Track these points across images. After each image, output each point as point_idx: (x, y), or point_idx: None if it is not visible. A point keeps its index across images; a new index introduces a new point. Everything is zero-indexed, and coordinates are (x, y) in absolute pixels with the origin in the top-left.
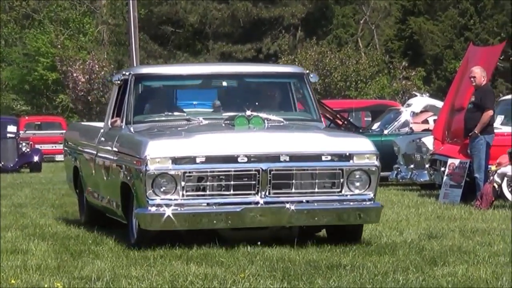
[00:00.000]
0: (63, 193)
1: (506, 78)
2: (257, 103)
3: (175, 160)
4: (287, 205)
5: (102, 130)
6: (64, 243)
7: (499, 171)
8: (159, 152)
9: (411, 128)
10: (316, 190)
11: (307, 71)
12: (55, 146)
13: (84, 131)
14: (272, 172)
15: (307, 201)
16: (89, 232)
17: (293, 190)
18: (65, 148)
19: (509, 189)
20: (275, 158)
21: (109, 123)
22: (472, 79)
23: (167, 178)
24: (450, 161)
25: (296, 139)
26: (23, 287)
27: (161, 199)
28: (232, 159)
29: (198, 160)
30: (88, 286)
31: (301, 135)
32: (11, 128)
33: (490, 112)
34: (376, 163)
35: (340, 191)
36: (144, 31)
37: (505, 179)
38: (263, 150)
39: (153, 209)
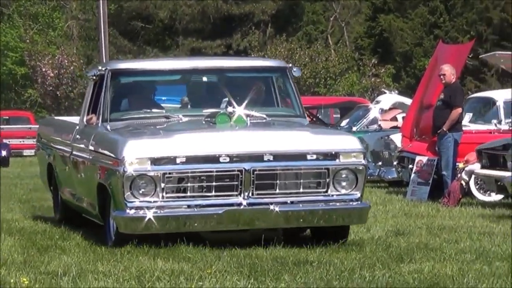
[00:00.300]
0: (30, 188)
1: (474, 76)
2: (238, 99)
3: (155, 161)
4: (271, 207)
5: (77, 127)
6: (31, 238)
7: (466, 169)
8: (137, 153)
9: (379, 125)
10: (301, 190)
11: (290, 65)
12: (23, 141)
13: (58, 127)
14: (255, 172)
15: (292, 202)
16: (56, 228)
17: (277, 191)
18: (38, 144)
19: (477, 187)
20: (258, 157)
21: (84, 120)
22: (441, 76)
23: (146, 180)
24: (418, 158)
25: (280, 138)
26: None
27: (140, 202)
28: (214, 159)
29: (178, 160)
30: (55, 281)
31: (286, 133)
32: None
33: (459, 110)
34: (363, 161)
35: (326, 191)
36: (113, 26)
37: (473, 176)
38: (246, 149)
39: (131, 212)
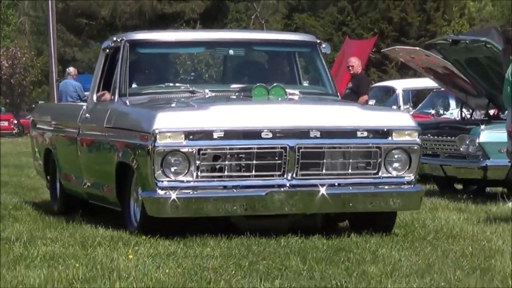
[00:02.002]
0: None
1: (377, 68)
2: (266, 74)
3: (189, 135)
4: (319, 189)
5: (84, 106)
6: None
7: None
8: (170, 125)
9: None
10: (350, 171)
11: (319, 41)
12: None
13: (58, 110)
14: (300, 150)
15: (339, 184)
16: (9, 199)
17: (324, 172)
18: (33, 131)
19: None
20: (304, 133)
21: (94, 98)
22: (350, 67)
23: (179, 156)
24: None
25: (328, 112)
26: None
27: (171, 181)
28: (255, 134)
29: (215, 135)
30: (8, 246)
31: (334, 108)
32: None
33: (366, 97)
34: (418, 140)
35: (377, 173)
36: (61, 22)
37: None
38: (290, 124)
39: (162, 192)
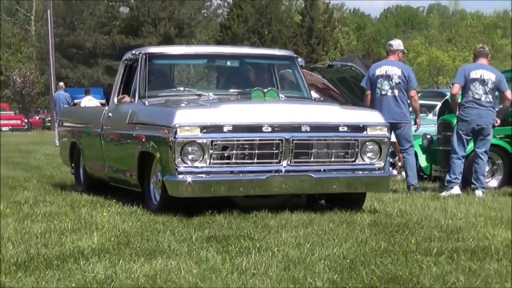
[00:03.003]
0: None
1: None
2: (257, 81)
3: (203, 129)
4: (309, 174)
5: (106, 108)
6: (4, 181)
7: None
8: (188, 120)
9: None
10: (333, 159)
11: (296, 55)
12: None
13: (83, 112)
14: (294, 142)
15: (324, 170)
16: (21, 174)
17: (312, 159)
18: (60, 129)
19: None
20: (297, 128)
21: (115, 100)
22: None
23: (195, 146)
24: None
25: (316, 111)
26: None
27: (188, 167)
28: (257, 128)
29: (225, 129)
30: (19, 207)
31: (320, 107)
32: None
33: None
34: (387, 134)
35: (354, 161)
36: (58, 51)
37: None
38: (286, 120)
39: (181, 176)
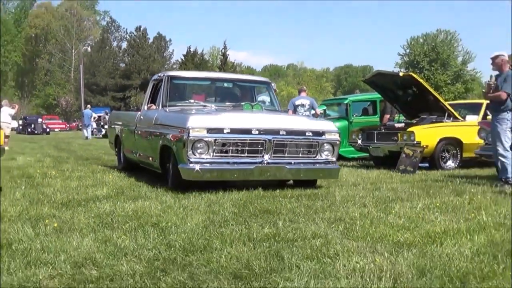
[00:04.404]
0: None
1: None
2: (242, 97)
3: (209, 130)
4: (285, 165)
5: (139, 113)
6: (55, 159)
7: None
8: (198, 124)
9: None
10: (300, 155)
11: (271, 81)
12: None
13: (122, 115)
14: (274, 142)
15: (294, 163)
16: (64, 155)
17: (286, 155)
18: (110, 125)
19: None
20: (276, 132)
21: (145, 108)
22: None
23: (203, 143)
24: None
25: (289, 120)
26: None
27: (197, 158)
28: (248, 131)
29: (224, 131)
30: (63, 172)
31: (292, 117)
32: None
33: None
34: (339, 138)
35: (315, 157)
36: (86, 87)
37: None
38: (268, 126)
39: (191, 165)
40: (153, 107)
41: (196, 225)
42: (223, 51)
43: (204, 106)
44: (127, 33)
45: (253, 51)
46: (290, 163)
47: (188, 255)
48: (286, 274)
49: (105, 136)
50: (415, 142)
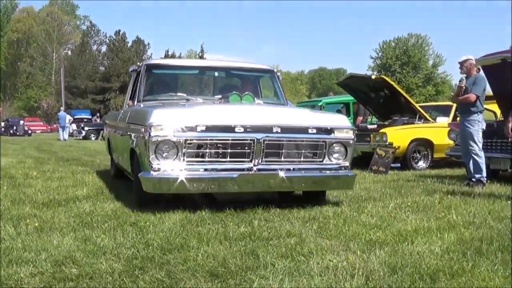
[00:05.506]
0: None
1: None
2: (240, 89)
3: (177, 128)
4: (279, 172)
5: (121, 111)
6: (37, 160)
7: None
8: (162, 120)
9: None
10: (302, 159)
11: (275, 70)
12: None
13: (111, 116)
14: (265, 142)
15: (293, 169)
16: (45, 156)
17: (282, 159)
18: (104, 127)
19: None
20: (268, 129)
21: (127, 105)
22: None
23: (169, 145)
24: None
25: (286, 114)
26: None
27: (162, 164)
28: (230, 129)
29: (198, 128)
30: (44, 173)
31: (290, 110)
32: None
33: None
34: (353, 136)
35: (322, 161)
36: (66, 90)
37: None
38: (258, 122)
39: (155, 173)
40: (131, 102)
41: (174, 224)
42: (200, 54)
43: (188, 100)
44: (106, 37)
45: (229, 54)
46: (289, 170)
47: (165, 254)
48: (261, 272)
49: (85, 137)
50: (387, 143)
